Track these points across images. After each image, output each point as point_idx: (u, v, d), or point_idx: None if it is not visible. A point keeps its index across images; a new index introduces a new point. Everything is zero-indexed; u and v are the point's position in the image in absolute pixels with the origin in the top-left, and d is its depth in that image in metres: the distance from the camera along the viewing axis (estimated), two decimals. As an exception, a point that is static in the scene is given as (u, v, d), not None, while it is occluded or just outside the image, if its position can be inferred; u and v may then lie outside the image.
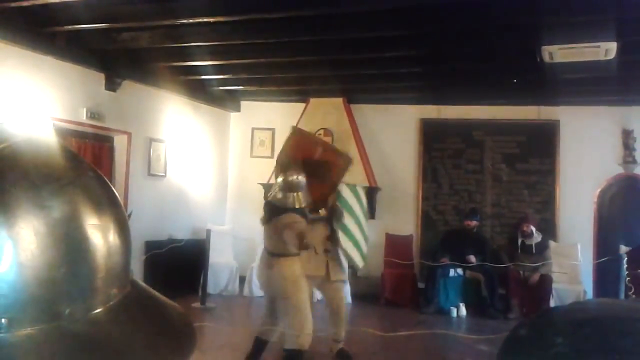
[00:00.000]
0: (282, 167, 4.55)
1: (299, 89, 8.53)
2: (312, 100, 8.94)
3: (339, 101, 8.85)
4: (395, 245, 8.31)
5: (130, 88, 7.02)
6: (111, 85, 6.71)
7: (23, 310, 0.46)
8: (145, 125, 7.42)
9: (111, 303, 0.53)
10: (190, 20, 5.35)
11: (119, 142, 7.08)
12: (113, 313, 0.52)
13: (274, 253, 4.32)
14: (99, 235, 0.52)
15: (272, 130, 9.38)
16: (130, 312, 0.54)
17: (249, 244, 8.20)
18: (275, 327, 4.53)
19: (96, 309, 0.51)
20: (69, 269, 0.49)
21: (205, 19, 5.36)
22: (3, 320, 0.46)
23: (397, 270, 8.00)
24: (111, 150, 6.99)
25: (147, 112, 7.48)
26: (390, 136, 8.94)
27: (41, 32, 5.59)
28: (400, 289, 7.88)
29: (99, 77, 6.61)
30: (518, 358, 0.57)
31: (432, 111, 8.87)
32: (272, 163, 9.02)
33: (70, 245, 0.50)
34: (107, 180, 0.58)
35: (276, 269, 4.27)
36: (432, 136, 8.85)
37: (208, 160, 8.89)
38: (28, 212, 0.48)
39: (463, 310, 7.44)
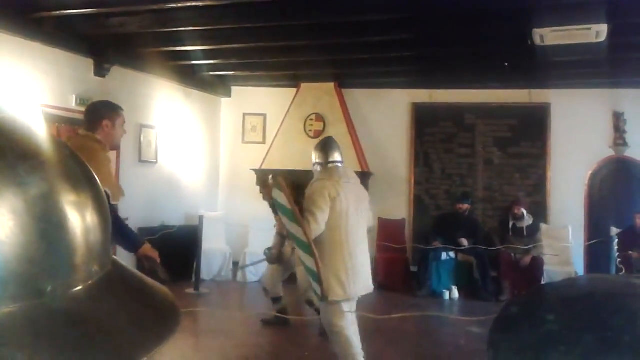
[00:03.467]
0: None
1: (290, 73, 8.48)
2: (304, 85, 8.90)
3: (330, 86, 8.82)
4: (387, 229, 8.34)
5: (119, 74, 6.96)
6: (100, 71, 6.64)
7: (3, 288, 0.46)
8: (136, 111, 7.36)
9: (93, 280, 0.52)
10: (179, 5, 5.28)
11: (109, 129, 7.02)
12: (95, 290, 0.52)
13: None
14: (77, 212, 0.52)
15: (264, 115, 9.35)
16: (113, 289, 0.54)
17: (241, 229, 8.21)
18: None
19: (77, 286, 0.51)
20: (48, 246, 0.49)
21: (194, 3, 5.29)
22: None
23: (389, 255, 8.04)
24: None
25: (137, 98, 7.42)
26: (382, 121, 8.93)
27: (28, 18, 5.51)
28: (393, 272, 7.93)
29: (88, 63, 6.55)
30: (509, 335, 0.57)
31: (424, 95, 8.86)
32: (264, 149, 9.02)
33: (48, 223, 0.49)
34: (82, 160, 0.58)
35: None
36: (423, 120, 8.85)
37: (199, 146, 8.85)
38: (4, 190, 0.47)
39: (455, 293, 7.51)
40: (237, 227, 8.27)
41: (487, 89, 8.50)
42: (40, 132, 0.54)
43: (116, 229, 3.21)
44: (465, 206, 7.96)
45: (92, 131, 3.27)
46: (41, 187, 0.50)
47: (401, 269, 8.06)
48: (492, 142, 8.65)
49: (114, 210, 3.14)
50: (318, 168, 3.98)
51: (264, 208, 8.87)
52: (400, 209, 8.73)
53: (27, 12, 5.44)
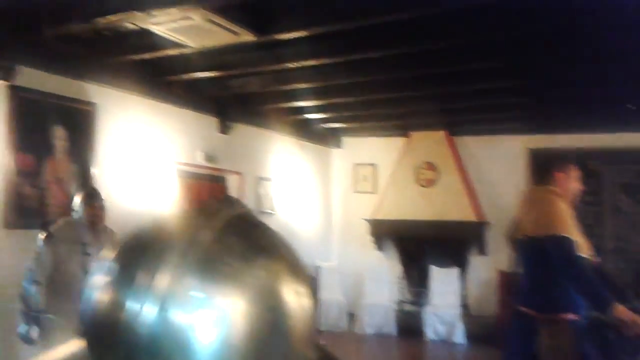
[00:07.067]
0: None
1: (399, 123, 8.55)
2: (413, 134, 8.92)
3: (440, 134, 8.76)
4: (509, 283, 7.95)
5: (240, 130, 7.38)
6: (223, 128, 7.11)
7: None
8: (254, 164, 7.75)
9: None
10: (296, 64, 5.56)
11: (232, 182, 7.43)
12: None
13: None
14: (297, 303, 0.56)
15: (374, 165, 9.43)
16: None
17: (356, 279, 8.21)
18: None
19: None
20: (271, 338, 0.53)
21: (310, 62, 5.55)
22: None
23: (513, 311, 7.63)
24: (225, 189, 7.34)
25: (256, 152, 7.81)
26: (496, 168, 8.67)
27: (160, 82, 6.03)
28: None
29: (213, 122, 7.02)
30: None
31: (541, 140, 8.51)
32: (375, 198, 9.06)
33: (272, 315, 0.54)
34: (296, 251, 0.64)
35: None
36: (542, 167, 8.47)
37: (313, 196, 9.07)
38: (236, 284, 0.53)
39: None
40: (351, 277, 8.28)
41: (612, 133, 8.00)
42: (263, 227, 0.60)
43: (584, 283, 2.91)
44: (595, 259, 7.40)
45: (545, 184, 3.38)
46: (267, 282, 0.55)
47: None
48: (619, 188, 8.07)
49: (585, 263, 2.99)
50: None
51: (379, 258, 8.87)
52: (520, 260, 8.30)
53: (158, 77, 5.97)
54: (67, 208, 4.41)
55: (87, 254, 4.07)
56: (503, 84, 6.13)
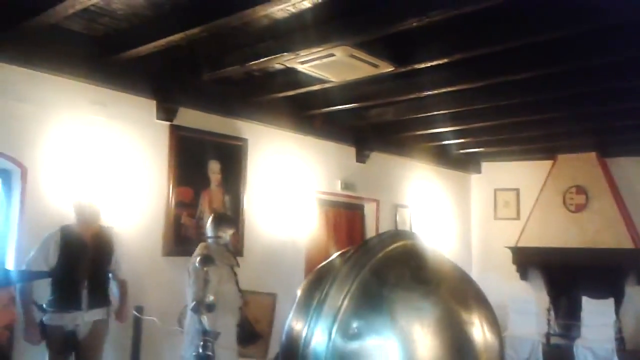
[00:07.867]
0: None
1: (544, 146, 8.10)
2: (560, 157, 8.42)
3: (590, 156, 8.18)
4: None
5: (377, 159, 7.49)
6: (361, 157, 7.26)
7: None
8: (391, 192, 7.79)
9: None
10: (435, 92, 5.54)
11: (369, 209, 7.53)
12: None
13: None
14: (469, 332, 0.57)
15: (517, 190, 9.02)
16: None
17: (499, 310, 7.77)
18: None
19: None
20: None
21: (447, 89, 5.49)
22: None
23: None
24: (362, 217, 7.47)
25: (393, 180, 7.85)
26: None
27: (302, 116, 6.34)
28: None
29: (350, 151, 7.21)
30: None
31: None
32: (518, 225, 8.64)
33: (452, 346, 0.55)
34: (471, 279, 0.65)
35: None
36: None
37: (451, 223, 8.87)
38: (405, 313, 0.55)
39: None
40: (494, 308, 7.93)
41: None
42: (437, 257, 0.63)
43: None
44: None
45: None
46: (435, 311, 0.56)
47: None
48: None
49: None
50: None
51: (523, 288, 8.41)
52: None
53: (301, 111, 6.27)
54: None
55: (235, 274, 4.39)
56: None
